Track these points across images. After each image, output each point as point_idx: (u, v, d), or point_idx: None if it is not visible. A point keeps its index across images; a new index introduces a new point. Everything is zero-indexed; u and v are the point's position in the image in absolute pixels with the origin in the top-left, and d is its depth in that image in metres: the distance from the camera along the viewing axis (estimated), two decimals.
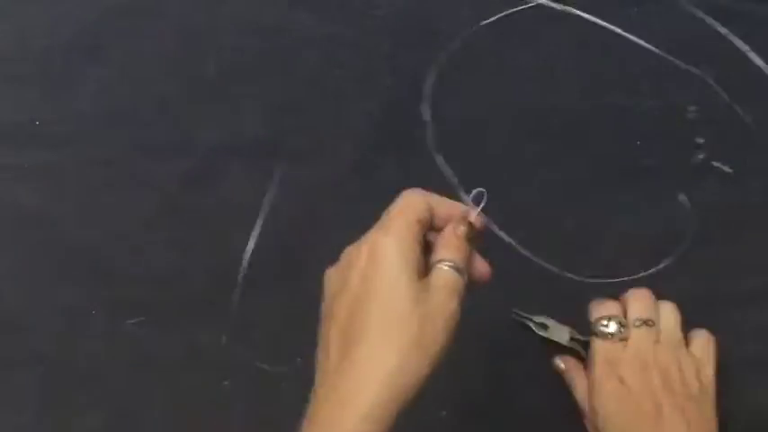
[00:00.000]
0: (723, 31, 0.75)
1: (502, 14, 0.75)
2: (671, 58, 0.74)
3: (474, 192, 0.53)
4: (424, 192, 0.52)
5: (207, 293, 0.70)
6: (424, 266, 0.50)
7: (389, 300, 0.47)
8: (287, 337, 0.69)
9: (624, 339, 0.60)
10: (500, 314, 0.67)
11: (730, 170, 0.72)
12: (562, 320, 0.64)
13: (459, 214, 0.51)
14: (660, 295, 0.64)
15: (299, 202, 0.72)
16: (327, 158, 0.72)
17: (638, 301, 0.62)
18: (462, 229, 0.51)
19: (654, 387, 0.58)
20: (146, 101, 0.74)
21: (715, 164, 0.72)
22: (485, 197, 0.52)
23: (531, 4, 0.75)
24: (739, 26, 0.75)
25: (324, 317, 0.51)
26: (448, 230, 0.51)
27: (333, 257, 0.71)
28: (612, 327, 0.60)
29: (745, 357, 0.68)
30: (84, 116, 0.74)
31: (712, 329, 0.67)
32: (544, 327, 0.67)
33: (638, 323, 0.60)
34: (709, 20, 0.75)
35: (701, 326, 0.64)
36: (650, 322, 0.60)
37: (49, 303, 0.70)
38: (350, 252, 0.51)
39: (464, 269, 0.50)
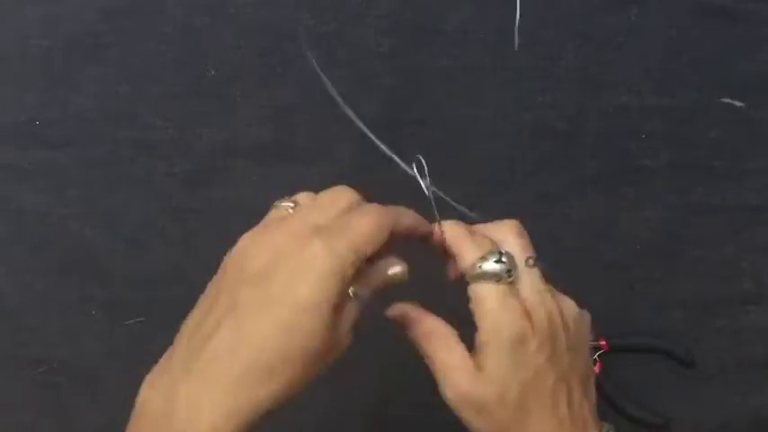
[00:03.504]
0: (723, 31, 0.75)
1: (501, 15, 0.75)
2: (671, 59, 0.74)
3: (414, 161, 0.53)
4: (385, 216, 0.48)
5: None
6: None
7: (297, 318, 0.43)
8: None
9: (511, 284, 0.48)
10: None
11: (729, 171, 0.72)
12: None
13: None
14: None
15: None
16: (327, 158, 0.72)
17: (520, 235, 0.50)
18: (392, 273, 0.48)
19: (559, 351, 0.48)
20: (146, 101, 0.74)
21: (715, 163, 0.72)
22: (424, 166, 0.52)
23: None
24: (739, 26, 0.75)
25: (220, 286, 0.48)
26: (381, 265, 0.48)
27: None
28: (500, 266, 0.48)
29: (745, 357, 0.68)
30: (84, 116, 0.74)
31: (712, 330, 0.68)
32: None
33: (530, 263, 0.49)
34: (710, 20, 0.75)
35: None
36: (537, 263, 0.49)
37: (49, 303, 0.70)
38: (282, 236, 0.46)
39: (367, 302, 0.47)
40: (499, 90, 0.74)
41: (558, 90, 0.73)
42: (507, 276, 0.47)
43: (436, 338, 0.48)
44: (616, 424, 0.65)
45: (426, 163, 0.56)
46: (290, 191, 0.72)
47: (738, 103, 0.73)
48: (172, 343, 0.71)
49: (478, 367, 0.47)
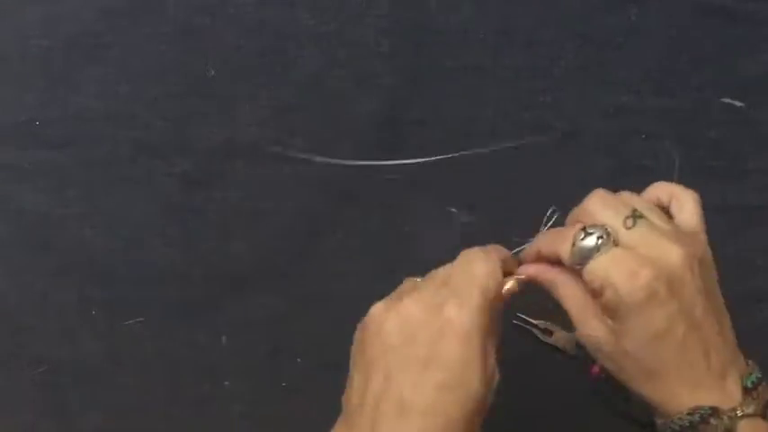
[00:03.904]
0: (723, 31, 0.75)
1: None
2: (671, 59, 0.74)
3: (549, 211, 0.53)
4: (488, 255, 0.50)
5: (207, 293, 0.70)
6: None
7: (466, 376, 0.46)
8: (287, 337, 0.69)
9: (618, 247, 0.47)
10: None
11: (730, 171, 0.72)
12: (568, 326, 0.64)
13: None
14: None
15: (299, 202, 0.72)
16: (327, 158, 0.72)
17: (605, 203, 0.49)
18: (507, 290, 0.51)
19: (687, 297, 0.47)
20: (146, 101, 0.74)
21: (715, 163, 0.72)
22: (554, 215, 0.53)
23: None
24: (739, 26, 0.75)
25: (369, 368, 0.48)
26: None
27: (332, 257, 0.72)
28: (591, 238, 0.47)
29: (745, 357, 0.68)
30: (84, 116, 0.74)
31: None
32: (548, 332, 0.66)
33: (629, 223, 0.48)
34: (710, 20, 0.75)
35: None
36: (637, 213, 0.48)
37: (49, 303, 0.70)
38: (417, 309, 0.48)
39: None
40: (499, 90, 0.74)
41: (558, 90, 0.73)
42: (606, 243, 0.47)
43: (561, 288, 0.50)
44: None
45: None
46: (290, 191, 0.73)
47: (738, 103, 0.73)
48: (172, 343, 0.71)
49: (612, 322, 0.47)
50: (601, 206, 0.49)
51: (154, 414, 0.68)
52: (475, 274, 0.48)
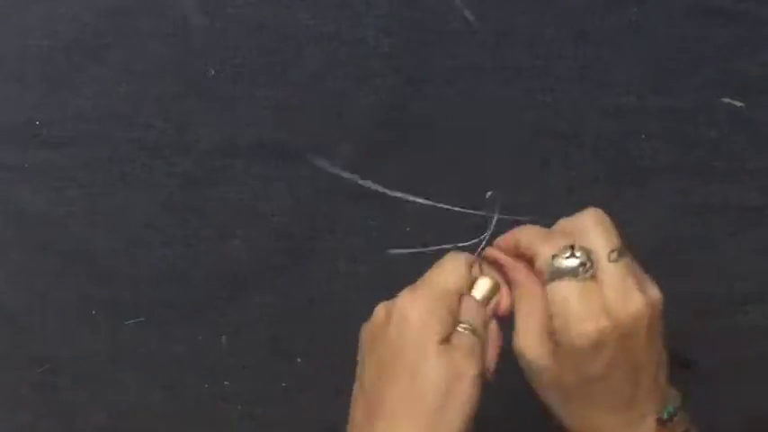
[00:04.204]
0: (723, 31, 0.75)
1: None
2: (671, 59, 0.74)
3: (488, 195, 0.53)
4: (467, 257, 0.51)
5: (207, 293, 0.70)
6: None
7: (413, 374, 0.46)
8: (287, 337, 0.69)
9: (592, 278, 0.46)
10: (502, 319, 0.67)
11: (730, 171, 0.72)
12: None
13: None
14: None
15: (300, 202, 0.72)
16: (327, 158, 0.72)
17: (601, 227, 0.48)
18: (480, 294, 0.50)
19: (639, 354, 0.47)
20: (146, 101, 0.74)
21: (715, 163, 0.72)
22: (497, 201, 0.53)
23: None
24: (739, 26, 0.75)
25: (357, 372, 0.51)
26: (466, 295, 0.50)
27: (332, 257, 0.72)
28: (573, 261, 0.46)
29: (744, 357, 0.68)
30: (84, 116, 0.74)
31: (712, 329, 0.68)
32: None
33: (613, 257, 0.46)
34: (710, 20, 0.75)
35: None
36: (624, 251, 0.47)
37: (49, 303, 0.70)
38: (380, 311, 0.50)
39: (481, 330, 0.49)
40: (499, 90, 0.74)
41: (558, 90, 0.73)
42: (584, 272, 0.45)
43: (523, 294, 0.49)
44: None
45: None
46: (289, 191, 0.73)
47: (738, 103, 0.73)
48: (172, 343, 0.71)
49: (553, 344, 0.46)
50: (593, 228, 0.48)
51: (154, 414, 0.68)
52: (439, 270, 0.50)
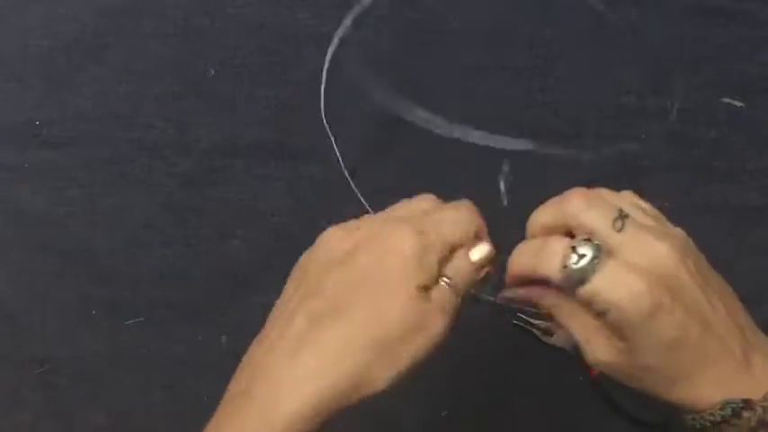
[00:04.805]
0: (723, 31, 0.75)
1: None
2: (671, 59, 0.74)
3: None
4: (476, 212, 0.49)
5: (207, 293, 0.70)
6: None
7: (390, 302, 0.45)
8: None
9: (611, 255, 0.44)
10: (502, 317, 0.67)
11: (730, 171, 0.72)
12: None
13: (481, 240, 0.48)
14: None
15: (299, 202, 0.72)
16: (327, 158, 0.72)
17: (591, 204, 0.45)
18: (477, 253, 0.48)
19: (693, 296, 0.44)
20: (146, 101, 0.74)
21: (715, 163, 0.72)
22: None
23: None
24: (739, 26, 0.75)
25: (303, 277, 0.48)
26: (462, 251, 0.48)
27: None
28: (585, 260, 0.43)
29: None
30: (84, 116, 0.74)
31: None
32: (548, 333, 0.66)
33: (618, 225, 0.44)
34: (710, 20, 0.75)
35: None
36: (623, 212, 0.45)
37: (49, 303, 0.70)
38: (336, 233, 0.48)
39: (462, 290, 0.47)
40: (499, 90, 0.74)
41: (558, 90, 0.73)
42: (600, 258, 0.43)
43: (565, 315, 0.46)
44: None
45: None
46: (289, 191, 0.73)
47: (738, 103, 0.73)
48: (172, 343, 0.71)
49: (620, 340, 0.44)
50: (585, 207, 0.45)
51: (154, 414, 0.67)
52: (448, 214, 0.48)
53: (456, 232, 0.47)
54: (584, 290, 0.43)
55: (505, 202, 0.51)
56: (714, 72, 0.74)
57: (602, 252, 0.43)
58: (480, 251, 0.48)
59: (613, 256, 0.43)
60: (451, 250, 0.47)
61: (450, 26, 0.75)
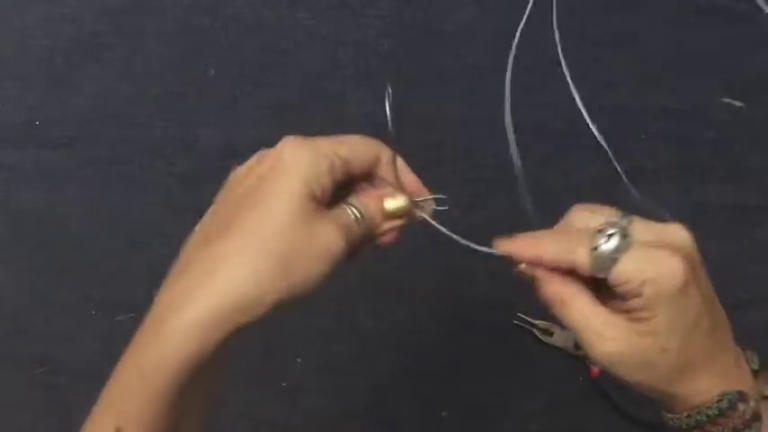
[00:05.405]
0: (723, 31, 0.75)
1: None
2: (671, 59, 0.74)
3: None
4: (386, 147, 0.49)
5: None
6: (329, 204, 0.46)
7: (276, 208, 0.44)
8: (286, 337, 0.69)
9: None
10: (502, 317, 0.67)
11: (730, 171, 0.72)
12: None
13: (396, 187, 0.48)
14: None
15: None
16: None
17: (595, 210, 0.46)
18: (392, 203, 0.48)
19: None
20: (146, 101, 0.74)
21: (715, 163, 0.72)
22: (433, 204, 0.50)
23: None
24: (739, 26, 0.75)
25: (210, 209, 0.49)
26: (375, 192, 0.48)
27: None
28: (616, 238, 0.43)
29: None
30: (84, 116, 0.74)
31: None
32: (548, 333, 0.66)
33: (625, 222, 0.45)
34: (710, 20, 0.75)
35: None
36: (624, 214, 0.46)
37: (49, 303, 0.70)
38: (261, 153, 0.48)
39: (365, 225, 0.47)
40: (499, 90, 0.74)
41: (558, 90, 0.73)
42: (627, 239, 0.43)
43: (568, 304, 0.45)
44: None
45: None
46: None
47: (738, 103, 0.73)
48: None
49: (635, 321, 0.44)
50: (589, 214, 0.46)
51: None
52: (346, 136, 0.49)
53: (353, 150, 0.48)
54: (618, 269, 0.43)
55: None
56: (714, 72, 0.74)
57: (627, 232, 0.43)
58: (396, 202, 0.48)
59: (635, 240, 0.43)
60: (351, 174, 0.47)
61: (450, 26, 0.75)
